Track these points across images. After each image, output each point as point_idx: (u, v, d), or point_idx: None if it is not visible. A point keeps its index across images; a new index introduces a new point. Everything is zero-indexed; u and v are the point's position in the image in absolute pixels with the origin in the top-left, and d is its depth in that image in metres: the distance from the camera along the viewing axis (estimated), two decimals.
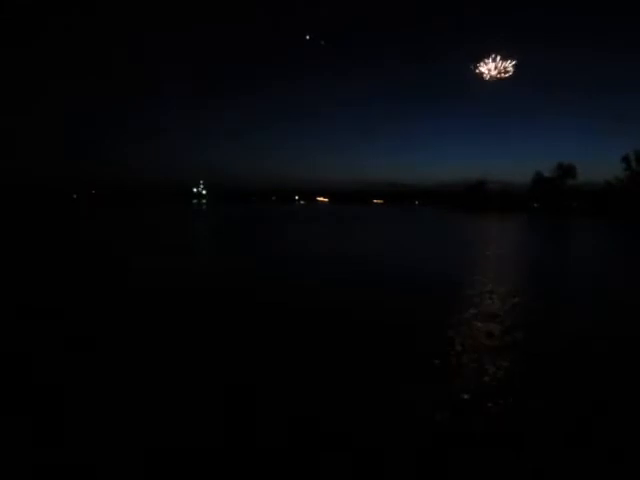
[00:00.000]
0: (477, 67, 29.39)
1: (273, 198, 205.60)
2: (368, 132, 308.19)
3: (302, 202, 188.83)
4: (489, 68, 30.09)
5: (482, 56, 29.46)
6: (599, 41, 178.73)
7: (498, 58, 29.94)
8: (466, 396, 4.77)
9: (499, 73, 29.83)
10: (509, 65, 29.83)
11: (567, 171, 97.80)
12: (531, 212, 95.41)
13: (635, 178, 79.43)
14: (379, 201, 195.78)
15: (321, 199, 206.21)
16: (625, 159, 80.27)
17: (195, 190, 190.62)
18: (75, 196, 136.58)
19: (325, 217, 57.91)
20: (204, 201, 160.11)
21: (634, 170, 79.69)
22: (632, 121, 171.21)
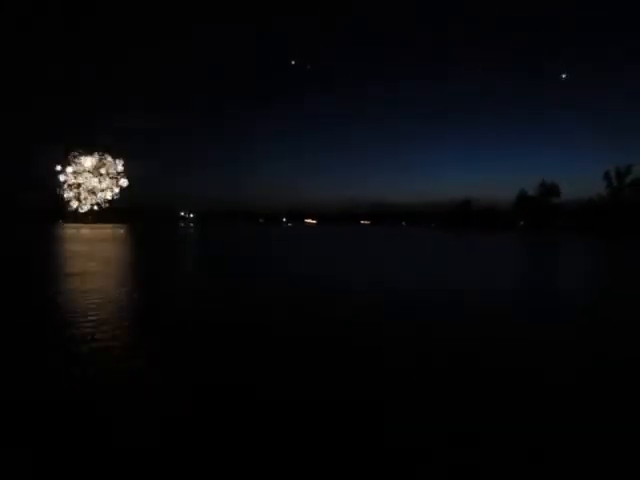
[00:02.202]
0: None
1: (261, 220, 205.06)
2: (356, 151, 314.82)
3: (290, 224, 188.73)
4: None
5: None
6: (583, 58, 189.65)
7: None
8: None
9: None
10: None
11: (550, 190, 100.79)
12: (517, 230, 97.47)
13: (616, 195, 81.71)
14: (366, 222, 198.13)
15: (309, 221, 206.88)
16: (606, 176, 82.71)
17: (182, 214, 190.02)
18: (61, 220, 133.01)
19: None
20: (191, 224, 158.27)
21: (615, 187, 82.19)
22: (618, 137, 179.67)
